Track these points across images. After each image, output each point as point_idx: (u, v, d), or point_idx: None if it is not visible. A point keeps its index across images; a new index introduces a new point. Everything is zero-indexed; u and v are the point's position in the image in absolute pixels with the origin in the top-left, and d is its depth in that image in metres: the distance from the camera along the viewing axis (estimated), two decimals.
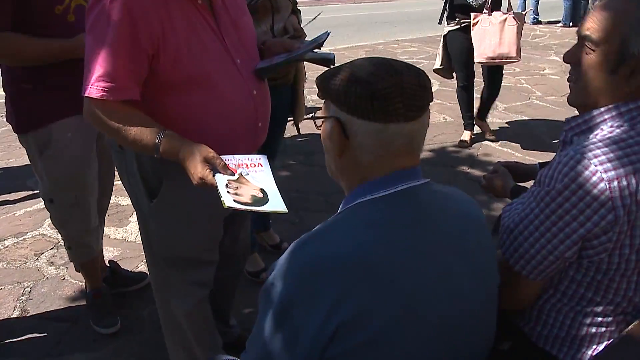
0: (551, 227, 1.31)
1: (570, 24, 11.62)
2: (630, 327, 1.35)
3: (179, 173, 1.65)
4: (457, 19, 4.74)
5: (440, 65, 5.05)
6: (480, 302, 1.20)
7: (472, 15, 4.65)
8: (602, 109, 1.38)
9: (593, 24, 1.36)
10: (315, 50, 1.98)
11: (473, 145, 5.11)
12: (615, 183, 1.25)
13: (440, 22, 4.96)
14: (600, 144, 1.31)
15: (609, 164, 1.26)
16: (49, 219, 2.75)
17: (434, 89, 6.83)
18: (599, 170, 1.25)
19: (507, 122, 5.78)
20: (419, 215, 1.15)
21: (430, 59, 8.63)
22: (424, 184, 1.19)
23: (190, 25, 1.70)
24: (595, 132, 1.38)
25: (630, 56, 1.31)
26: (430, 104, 1.18)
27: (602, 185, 1.24)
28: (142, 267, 3.15)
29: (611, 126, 1.35)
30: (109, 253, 3.32)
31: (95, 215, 2.60)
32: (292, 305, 1.06)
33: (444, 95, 6.57)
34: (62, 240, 2.80)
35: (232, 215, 2.03)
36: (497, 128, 5.54)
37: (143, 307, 2.84)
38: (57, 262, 3.25)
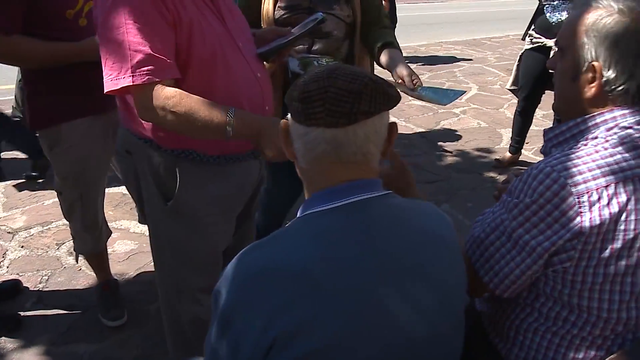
0: (518, 240, 1.29)
1: None
2: (610, 357, 1.29)
3: (195, 171, 1.66)
4: (531, 37, 4.29)
5: (512, 86, 4.62)
6: (435, 323, 1.14)
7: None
8: (578, 120, 1.36)
9: (563, 30, 1.36)
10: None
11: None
12: (585, 197, 1.22)
13: (523, 38, 4.52)
14: (572, 156, 1.27)
15: (578, 177, 1.23)
16: None
17: (471, 93, 6.80)
18: (568, 183, 1.22)
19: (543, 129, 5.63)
20: (367, 230, 1.11)
21: (471, 62, 8.51)
22: (379, 196, 1.15)
23: (196, 6, 1.69)
24: (570, 144, 1.35)
25: (585, 63, 1.30)
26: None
27: (571, 199, 1.22)
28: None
29: (586, 138, 1.32)
30: (126, 246, 3.39)
31: (99, 214, 2.68)
32: (234, 312, 1.06)
33: (480, 100, 6.46)
34: None
35: (243, 211, 2.03)
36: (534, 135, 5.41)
37: (152, 302, 2.88)
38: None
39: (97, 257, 2.83)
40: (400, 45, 2.50)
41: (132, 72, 1.55)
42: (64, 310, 2.84)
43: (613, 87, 1.30)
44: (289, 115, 1.18)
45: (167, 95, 1.58)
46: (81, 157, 2.44)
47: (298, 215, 1.18)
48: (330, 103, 1.08)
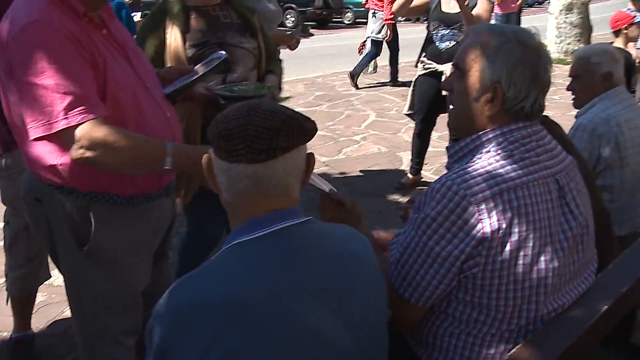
0: (430, 253, 1.40)
1: None
2: (513, 350, 1.42)
3: (109, 213, 1.65)
4: (423, 64, 4.55)
5: (409, 110, 4.81)
6: (360, 340, 1.21)
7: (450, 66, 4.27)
8: (473, 136, 1.50)
9: (460, 54, 1.50)
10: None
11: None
12: (483, 205, 1.35)
13: (416, 65, 4.74)
14: (469, 169, 1.41)
15: (476, 188, 1.37)
16: None
17: (369, 120, 7.07)
18: (467, 194, 1.36)
19: (446, 147, 5.92)
20: (291, 256, 1.18)
21: (367, 90, 8.84)
22: (300, 223, 1.22)
23: (106, 49, 1.72)
24: (468, 159, 1.48)
25: (488, 84, 1.44)
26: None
27: (471, 208, 1.35)
28: (68, 313, 3.09)
29: (481, 152, 1.46)
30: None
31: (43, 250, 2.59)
32: (167, 347, 1.09)
33: (379, 126, 6.72)
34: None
35: (158, 250, 2.04)
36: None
37: (68, 353, 2.77)
38: None
39: (24, 301, 2.70)
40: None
41: (65, 115, 1.56)
42: None
43: (511, 105, 1.45)
44: (210, 150, 1.23)
45: (106, 132, 1.60)
46: None
47: (224, 247, 1.23)
48: (251, 140, 1.13)
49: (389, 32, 8.62)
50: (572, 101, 2.97)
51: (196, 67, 2.08)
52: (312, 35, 4.10)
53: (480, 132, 1.49)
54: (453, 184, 1.39)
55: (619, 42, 4.40)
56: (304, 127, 1.20)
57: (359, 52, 9.40)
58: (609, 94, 2.78)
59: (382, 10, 8.50)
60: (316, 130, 1.26)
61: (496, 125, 1.47)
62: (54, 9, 1.62)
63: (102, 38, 1.74)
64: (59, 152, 1.68)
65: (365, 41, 9.18)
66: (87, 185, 1.75)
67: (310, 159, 1.26)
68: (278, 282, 1.13)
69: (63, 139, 1.62)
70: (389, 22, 8.54)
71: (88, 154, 1.61)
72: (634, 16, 4.39)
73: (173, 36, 2.41)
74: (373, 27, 8.81)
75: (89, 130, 1.58)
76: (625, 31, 4.38)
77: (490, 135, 1.47)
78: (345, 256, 1.25)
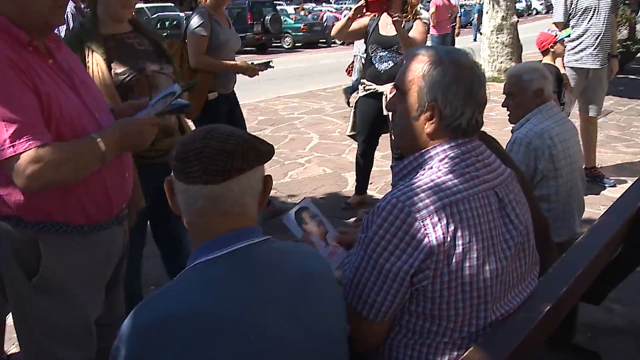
0: (381, 270, 1.45)
1: None
2: (465, 354, 1.48)
3: (59, 243, 1.65)
4: (363, 85, 4.61)
5: (351, 131, 4.87)
6: (320, 351, 1.26)
7: (389, 87, 4.14)
8: (416, 154, 1.57)
9: (400, 76, 1.58)
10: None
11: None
12: (428, 220, 1.42)
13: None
14: (413, 186, 1.48)
15: (420, 204, 1.43)
16: None
17: (312, 142, 7.16)
18: (412, 210, 1.42)
19: (390, 165, 6.05)
20: (251, 273, 1.22)
21: (310, 113, 8.95)
22: (260, 242, 1.27)
23: (51, 79, 1.72)
24: (412, 176, 1.55)
25: (426, 103, 1.52)
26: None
27: (417, 224, 1.41)
28: (14, 349, 3.00)
29: (424, 169, 1.53)
30: None
31: None
32: None
33: (323, 148, 6.81)
34: None
35: (111, 279, 2.02)
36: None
37: None
38: None
39: None
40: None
41: (11, 143, 1.56)
42: None
43: (449, 122, 1.53)
44: (172, 176, 1.26)
45: (49, 152, 1.61)
46: None
47: (187, 266, 1.26)
48: (206, 162, 1.19)
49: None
50: (508, 117, 3.12)
51: (152, 102, 2.07)
52: (273, 67, 4.23)
53: (423, 150, 1.56)
54: (398, 201, 1.45)
55: (548, 59, 4.66)
56: (259, 150, 1.25)
57: (348, 73, 9.31)
58: (540, 109, 2.95)
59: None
60: (273, 152, 1.31)
61: (437, 143, 1.55)
62: None
63: (47, 67, 1.74)
64: (5, 181, 1.67)
65: (353, 61, 9.12)
66: (35, 215, 1.74)
67: (268, 180, 1.32)
68: (241, 297, 1.17)
69: (8, 167, 1.61)
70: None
71: (37, 181, 1.61)
72: (556, 35, 4.68)
73: (96, 64, 2.41)
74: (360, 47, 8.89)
75: (34, 156, 1.59)
76: (552, 49, 4.65)
77: (432, 153, 1.55)
78: (305, 272, 1.30)
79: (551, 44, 4.64)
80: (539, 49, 4.78)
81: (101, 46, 2.45)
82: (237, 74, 4.31)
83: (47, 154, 1.60)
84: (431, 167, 1.53)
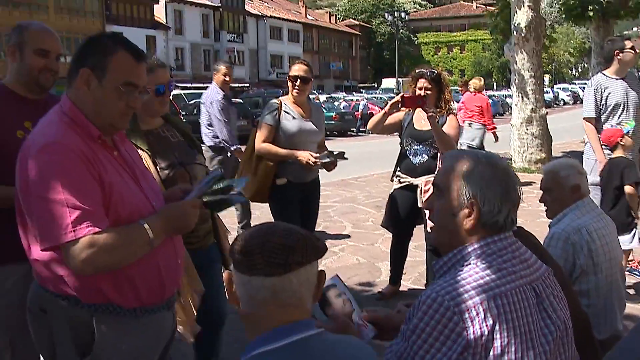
0: None
1: None
2: None
3: (112, 325, 1.76)
4: (398, 178, 4.68)
5: (386, 222, 4.91)
6: None
7: (424, 180, 4.41)
8: (455, 251, 1.65)
9: (440, 176, 1.70)
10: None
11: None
12: (467, 314, 1.49)
13: (391, 179, 4.86)
14: (452, 281, 1.56)
15: (459, 298, 1.50)
16: None
17: (347, 230, 7.21)
18: (452, 304, 1.50)
19: (418, 259, 6.04)
20: None
21: (343, 202, 9.05)
22: (315, 334, 1.34)
23: (114, 169, 1.88)
24: (451, 272, 1.62)
25: (465, 200, 1.62)
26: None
27: (456, 317, 1.48)
28: None
29: (462, 265, 1.61)
30: None
31: None
32: None
33: (356, 237, 6.85)
34: None
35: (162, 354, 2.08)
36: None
37: None
38: None
39: None
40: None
41: (72, 228, 1.69)
42: None
43: (487, 219, 1.61)
44: (231, 266, 1.35)
45: (103, 238, 1.73)
46: (11, 303, 2.39)
47: (245, 356, 1.32)
48: (268, 255, 1.28)
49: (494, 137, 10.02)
50: (545, 212, 3.16)
51: (195, 185, 2.19)
52: (347, 159, 4.30)
53: (461, 247, 1.64)
54: (437, 295, 1.53)
55: (618, 152, 4.75)
56: (316, 246, 1.36)
57: None
58: (578, 205, 2.99)
59: (478, 122, 9.54)
60: (326, 249, 1.41)
61: (475, 239, 1.62)
62: (70, 131, 1.81)
63: (112, 159, 1.90)
64: (65, 263, 1.77)
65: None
66: (93, 297, 1.84)
67: (321, 275, 1.41)
68: None
69: (64, 250, 1.73)
70: (493, 129, 9.85)
71: (88, 262, 1.72)
72: (622, 129, 4.81)
73: (144, 161, 2.52)
74: (467, 135, 9.51)
75: (90, 241, 1.71)
76: (622, 143, 4.73)
77: (470, 249, 1.63)
78: None
79: (619, 138, 4.73)
80: (607, 145, 4.87)
81: (145, 142, 2.62)
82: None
83: (102, 239, 1.73)
84: (469, 263, 1.60)
